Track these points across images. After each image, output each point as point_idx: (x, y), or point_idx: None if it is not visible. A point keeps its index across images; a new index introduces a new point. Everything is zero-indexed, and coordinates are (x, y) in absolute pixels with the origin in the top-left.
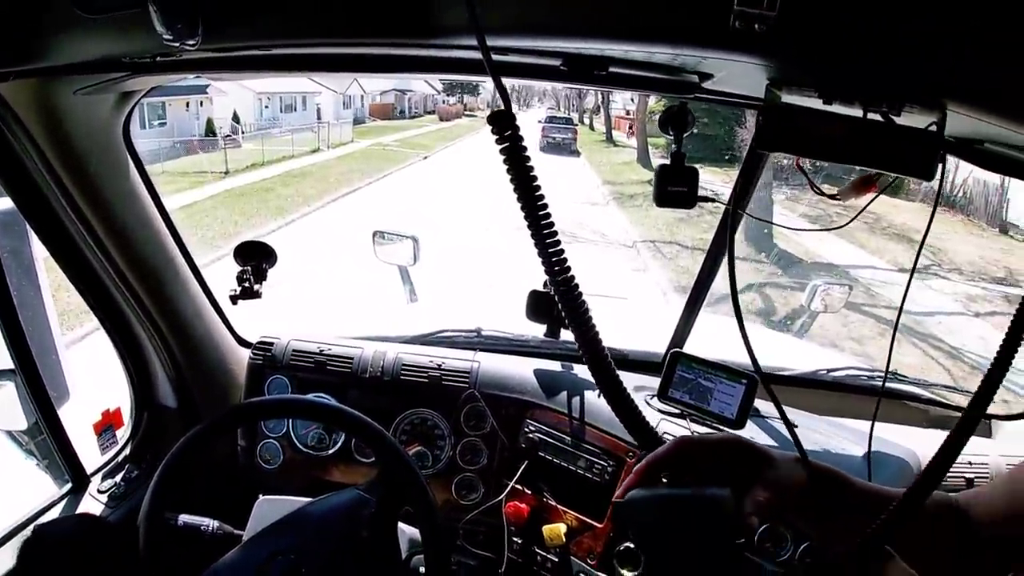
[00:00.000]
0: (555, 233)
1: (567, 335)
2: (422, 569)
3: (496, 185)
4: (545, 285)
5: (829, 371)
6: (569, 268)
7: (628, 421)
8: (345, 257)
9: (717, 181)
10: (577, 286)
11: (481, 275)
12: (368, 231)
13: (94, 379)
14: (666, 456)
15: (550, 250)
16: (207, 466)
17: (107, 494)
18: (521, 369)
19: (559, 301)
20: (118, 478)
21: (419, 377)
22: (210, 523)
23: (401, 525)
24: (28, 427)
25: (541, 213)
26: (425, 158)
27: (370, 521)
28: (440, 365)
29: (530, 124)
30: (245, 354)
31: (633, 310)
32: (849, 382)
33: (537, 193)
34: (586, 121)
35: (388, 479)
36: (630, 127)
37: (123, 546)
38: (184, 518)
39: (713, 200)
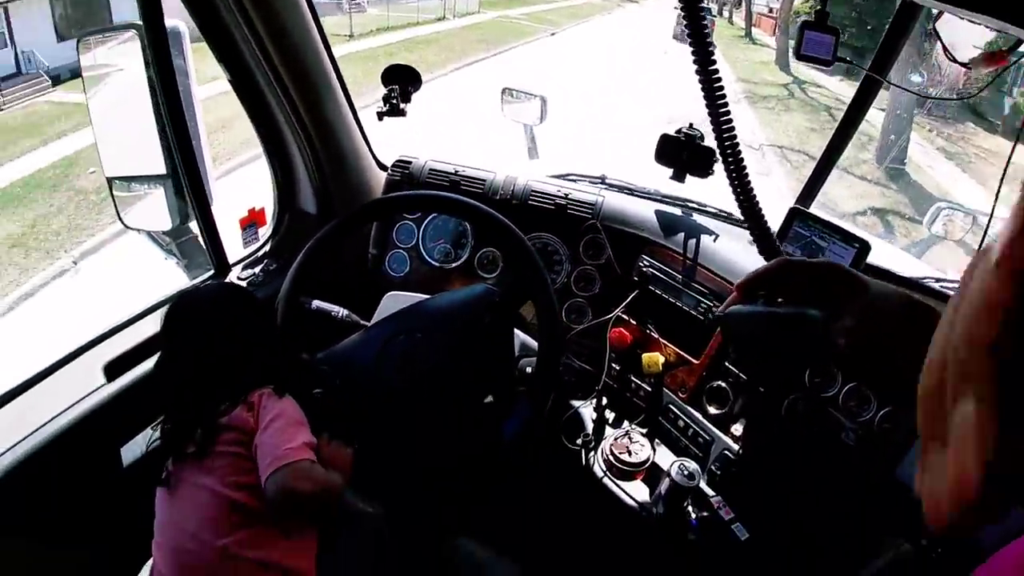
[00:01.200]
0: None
1: (691, 183)
2: (528, 370)
3: (624, 70)
4: (681, 134)
5: (937, 280)
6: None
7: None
8: (467, 123)
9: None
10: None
11: (604, 140)
12: (489, 101)
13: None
14: (766, 274)
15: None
16: (339, 269)
17: (246, 281)
18: (642, 208)
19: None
20: (257, 269)
21: (546, 204)
22: (340, 310)
23: (516, 331)
24: (172, 228)
25: (711, 59)
26: (552, 34)
27: (494, 309)
28: (567, 195)
29: (666, 8)
30: (382, 176)
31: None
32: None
33: (710, 48)
34: (725, 14)
35: (514, 272)
36: (774, 27)
37: (262, 314)
38: (317, 303)
39: (850, 63)
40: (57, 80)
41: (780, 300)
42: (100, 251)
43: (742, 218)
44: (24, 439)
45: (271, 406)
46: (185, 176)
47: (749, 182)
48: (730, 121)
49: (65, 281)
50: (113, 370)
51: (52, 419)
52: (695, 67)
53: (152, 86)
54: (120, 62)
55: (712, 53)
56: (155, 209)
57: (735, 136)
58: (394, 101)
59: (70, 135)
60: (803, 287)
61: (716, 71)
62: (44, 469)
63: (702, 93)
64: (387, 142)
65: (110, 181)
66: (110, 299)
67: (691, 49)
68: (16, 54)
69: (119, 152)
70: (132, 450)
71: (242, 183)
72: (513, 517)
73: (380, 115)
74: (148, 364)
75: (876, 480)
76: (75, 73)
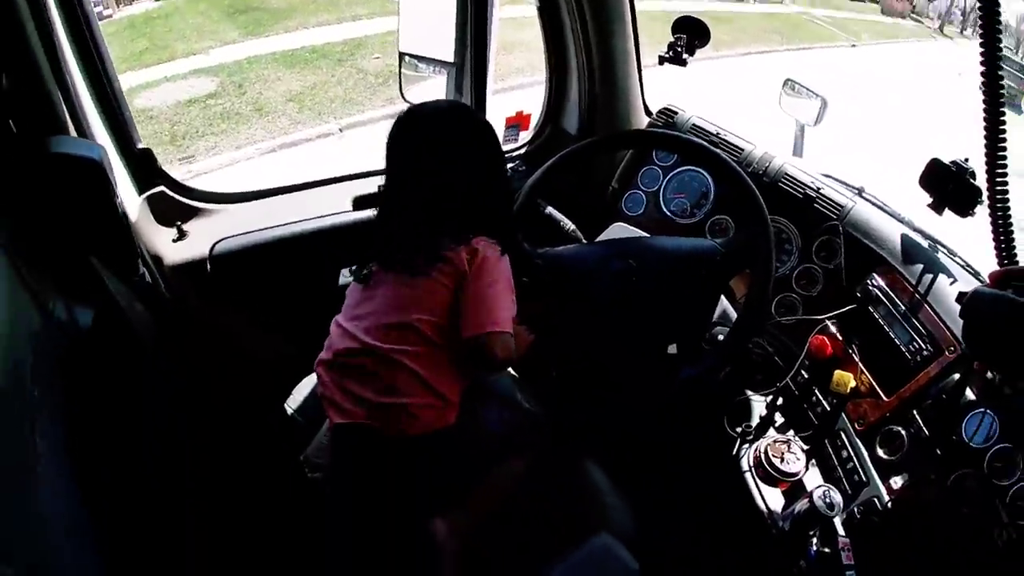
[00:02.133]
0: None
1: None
2: (720, 337)
3: (915, 100)
4: (953, 165)
5: None
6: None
7: None
8: (741, 107)
9: None
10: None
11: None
12: (768, 95)
13: None
14: (1019, 271)
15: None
16: (580, 189)
17: None
18: (889, 228)
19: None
20: (508, 167)
21: (795, 190)
22: (569, 223)
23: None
24: None
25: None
26: (853, 46)
27: (712, 266)
28: (819, 189)
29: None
30: (645, 120)
31: None
32: None
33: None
34: None
35: (744, 240)
36: None
37: (494, 146)
38: (551, 209)
39: None
40: None
41: None
42: (366, 127)
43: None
44: (275, 227)
45: (493, 262)
46: (473, 68)
47: (1012, 232)
48: (1005, 167)
49: (327, 144)
50: (360, 204)
51: (297, 221)
52: (984, 110)
53: None
54: None
55: (1001, 97)
56: (435, 92)
57: (1006, 183)
58: (679, 50)
59: (364, 20)
60: None
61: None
62: (278, 260)
63: (985, 136)
64: (659, 92)
65: (402, 56)
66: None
67: (982, 90)
68: None
69: (417, 31)
70: (346, 276)
71: (506, 105)
72: (643, 470)
73: (662, 59)
74: None
75: None
76: None
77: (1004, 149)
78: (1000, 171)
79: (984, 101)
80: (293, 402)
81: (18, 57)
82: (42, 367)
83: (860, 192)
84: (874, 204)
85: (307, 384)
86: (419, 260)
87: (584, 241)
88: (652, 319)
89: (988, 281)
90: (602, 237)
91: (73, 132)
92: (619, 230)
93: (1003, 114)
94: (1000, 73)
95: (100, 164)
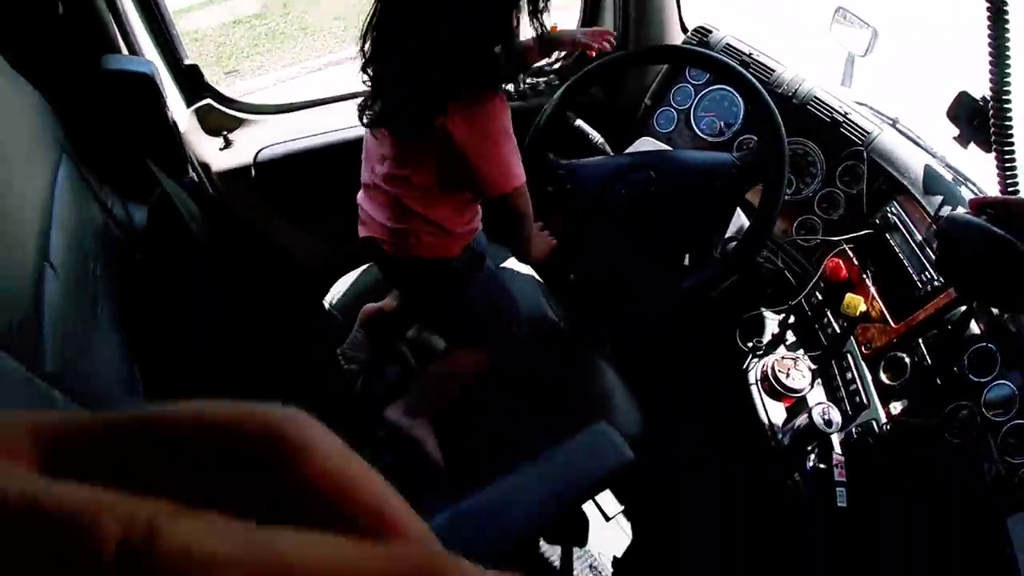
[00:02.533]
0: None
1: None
2: (730, 246)
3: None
4: (982, 100)
5: None
6: None
7: None
8: (789, 30)
9: None
10: None
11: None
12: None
13: None
14: (996, 200)
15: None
16: (612, 104)
17: (529, 86)
18: (914, 158)
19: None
20: (540, 79)
21: (822, 114)
22: (597, 135)
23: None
24: None
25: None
26: None
27: (727, 177)
28: (847, 114)
29: None
30: (679, 37)
31: None
32: None
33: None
34: None
35: (759, 155)
36: None
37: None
38: (580, 121)
39: None
40: None
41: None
42: None
43: None
44: (315, 135)
45: (485, 120)
46: None
47: (1013, 163)
48: (1009, 95)
49: None
50: None
51: (336, 130)
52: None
53: None
54: None
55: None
56: None
57: (1009, 113)
58: None
59: None
60: None
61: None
62: (318, 167)
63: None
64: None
65: None
66: None
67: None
68: None
69: None
70: None
71: None
72: (654, 373)
73: None
74: None
75: (984, 525)
76: None
77: (1008, 76)
78: (1005, 101)
79: (989, 28)
80: (331, 299)
81: None
82: (104, 256)
83: (894, 123)
84: (906, 136)
85: (344, 282)
86: (405, 123)
87: (611, 154)
88: (668, 229)
89: (969, 205)
90: (629, 151)
91: (125, 51)
92: (646, 144)
93: (1007, 40)
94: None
95: (151, 78)
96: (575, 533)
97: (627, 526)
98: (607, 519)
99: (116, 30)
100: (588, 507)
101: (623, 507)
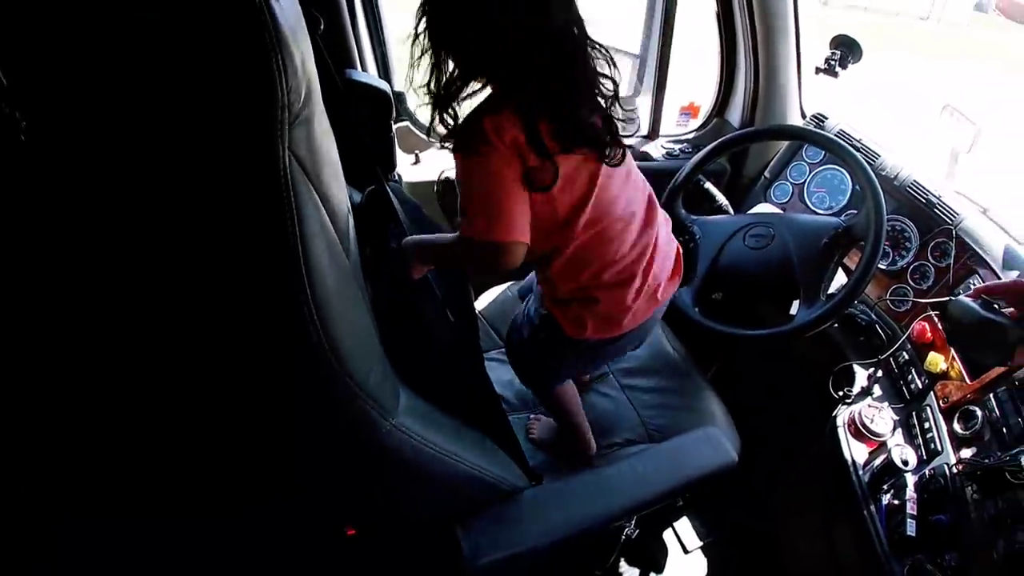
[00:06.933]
0: None
1: None
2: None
3: None
4: None
5: None
6: None
7: None
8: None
9: None
10: None
11: None
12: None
13: None
14: (998, 287)
15: None
16: (738, 173)
17: (665, 151)
18: (997, 239)
19: None
20: (676, 147)
21: (919, 196)
22: (723, 198)
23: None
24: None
25: None
26: None
27: (832, 235)
28: (940, 197)
29: None
30: (800, 122)
31: None
32: None
33: None
34: None
35: (861, 220)
36: None
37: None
38: (709, 184)
39: None
40: None
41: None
42: None
43: None
44: None
45: None
46: (658, 60)
47: None
48: None
49: None
50: None
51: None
52: None
53: None
54: None
55: None
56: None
57: None
58: (833, 63)
59: None
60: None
61: None
62: None
63: None
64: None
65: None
66: None
67: None
68: None
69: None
70: None
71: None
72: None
73: (818, 70)
74: None
75: None
76: None
77: None
78: None
79: None
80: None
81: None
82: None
83: (984, 212)
84: (993, 222)
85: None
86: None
87: (732, 214)
88: (782, 274)
89: (973, 291)
90: (749, 213)
91: (359, 68)
92: (763, 208)
93: None
94: None
95: (388, 96)
96: (654, 559)
97: (703, 562)
98: (686, 552)
99: (354, 49)
100: (668, 537)
101: (702, 543)
